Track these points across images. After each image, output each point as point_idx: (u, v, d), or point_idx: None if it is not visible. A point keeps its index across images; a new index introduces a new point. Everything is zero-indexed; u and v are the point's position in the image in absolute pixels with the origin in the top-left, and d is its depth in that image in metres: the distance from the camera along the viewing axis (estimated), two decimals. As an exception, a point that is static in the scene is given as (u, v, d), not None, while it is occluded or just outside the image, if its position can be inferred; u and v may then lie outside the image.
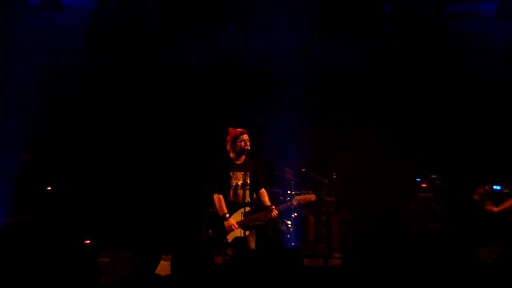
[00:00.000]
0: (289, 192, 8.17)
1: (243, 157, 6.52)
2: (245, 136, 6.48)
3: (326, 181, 8.35)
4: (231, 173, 6.45)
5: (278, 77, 8.47)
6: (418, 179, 8.63)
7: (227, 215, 6.39)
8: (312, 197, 6.94)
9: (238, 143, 6.43)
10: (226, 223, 6.38)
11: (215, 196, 6.44)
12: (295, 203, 6.84)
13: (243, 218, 6.43)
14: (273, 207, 6.51)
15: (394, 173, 8.74)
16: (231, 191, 6.41)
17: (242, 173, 6.44)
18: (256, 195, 6.64)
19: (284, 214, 7.93)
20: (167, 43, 8.25)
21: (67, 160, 8.17)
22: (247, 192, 6.41)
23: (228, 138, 6.51)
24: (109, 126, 8.48)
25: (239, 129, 6.53)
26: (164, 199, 8.47)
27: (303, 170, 8.42)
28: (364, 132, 8.93)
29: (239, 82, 8.71)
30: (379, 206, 8.72)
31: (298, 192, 7.62)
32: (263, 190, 6.67)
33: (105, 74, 8.49)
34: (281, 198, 8.10)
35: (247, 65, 8.58)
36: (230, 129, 6.56)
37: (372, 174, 8.80)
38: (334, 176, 8.34)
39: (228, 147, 6.54)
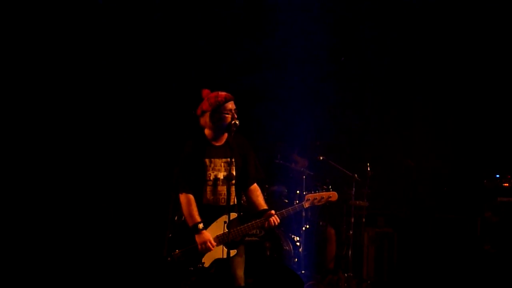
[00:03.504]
0: (298, 192, 7.72)
1: (225, 135, 5.84)
2: (232, 104, 5.79)
3: (356, 175, 7.75)
4: (206, 161, 5.78)
5: (284, 10, 7.94)
6: (497, 176, 8.02)
7: (201, 226, 5.74)
8: (333, 195, 6.21)
9: (222, 115, 5.74)
10: (198, 238, 5.75)
11: (182, 197, 5.81)
12: (306, 205, 6.16)
13: (225, 230, 5.81)
14: (273, 211, 5.87)
15: (459, 167, 8.39)
16: (208, 189, 5.78)
17: (225, 160, 5.82)
18: (245, 194, 6.03)
19: (290, 226, 7.67)
20: None
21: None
22: (233, 189, 5.83)
23: (204, 107, 5.79)
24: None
25: (221, 93, 5.81)
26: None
27: (321, 158, 7.75)
28: (415, 106, 8.53)
29: (223, 20, 7.99)
30: (436, 216, 8.12)
31: (313, 191, 7.45)
32: (255, 187, 6.04)
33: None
34: (286, 200, 7.76)
35: None
36: (206, 92, 5.84)
37: (425, 168, 8.29)
38: (368, 169, 7.78)
39: (203, 120, 5.82)
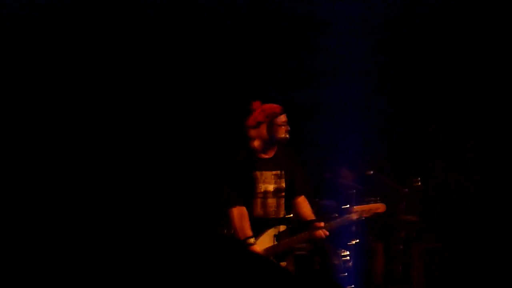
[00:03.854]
0: (348, 206, 7.34)
1: (275, 148, 5.81)
2: (285, 117, 5.77)
3: (406, 190, 7.52)
4: (257, 173, 5.74)
5: (333, 29, 7.73)
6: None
7: (252, 240, 5.70)
8: (381, 206, 6.30)
9: (277, 127, 5.72)
10: None
11: (234, 211, 5.73)
12: (354, 217, 6.17)
13: (275, 243, 5.80)
14: (322, 223, 5.86)
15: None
16: (258, 202, 5.74)
17: (275, 173, 5.78)
18: (293, 206, 5.95)
19: (339, 240, 7.39)
20: None
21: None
22: (282, 202, 5.78)
23: (260, 118, 5.76)
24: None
25: (274, 105, 5.82)
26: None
27: (370, 172, 7.60)
28: (466, 120, 8.14)
29: (274, 37, 7.90)
30: (492, 232, 7.90)
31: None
32: (303, 199, 6.00)
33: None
34: (336, 215, 7.38)
35: (286, 11, 7.80)
36: (257, 104, 5.81)
37: (481, 182, 8.02)
38: (419, 184, 7.53)
39: (256, 131, 5.79)
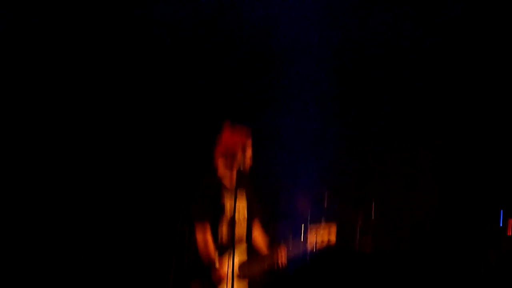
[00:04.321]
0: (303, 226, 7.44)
1: (234, 175, 5.69)
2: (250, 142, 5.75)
3: (360, 215, 7.64)
4: (225, 201, 5.67)
5: (290, 56, 7.76)
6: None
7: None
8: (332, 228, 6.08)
9: (249, 148, 5.67)
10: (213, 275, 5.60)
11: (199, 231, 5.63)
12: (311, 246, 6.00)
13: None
14: (281, 245, 5.76)
15: (463, 206, 8.00)
16: (224, 228, 5.64)
17: (238, 201, 5.62)
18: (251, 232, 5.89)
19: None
20: (118, 8, 7.50)
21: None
22: (244, 227, 5.75)
23: (237, 136, 5.64)
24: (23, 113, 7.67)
25: (242, 130, 5.74)
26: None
27: (326, 197, 7.67)
28: (421, 142, 8.07)
29: (230, 61, 7.85)
30: (446, 261, 7.89)
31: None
32: (257, 223, 5.93)
33: (23, 40, 7.52)
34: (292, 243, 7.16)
35: (244, 35, 7.79)
36: (226, 125, 5.70)
37: (436, 208, 7.95)
38: (373, 209, 7.66)
39: (223, 152, 5.68)
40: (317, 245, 6.04)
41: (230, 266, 5.50)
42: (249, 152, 5.61)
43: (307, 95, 7.76)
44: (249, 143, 5.63)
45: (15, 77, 7.44)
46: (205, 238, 5.52)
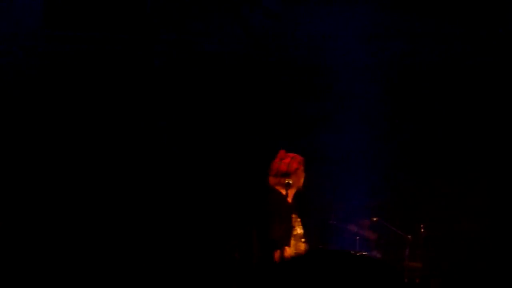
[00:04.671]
0: (352, 252, 7.21)
1: (288, 192, 5.79)
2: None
3: (410, 237, 7.50)
4: (293, 217, 5.77)
5: (339, 75, 7.67)
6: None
7: None
8: None
9: (301, 175, 5.84)
10: None
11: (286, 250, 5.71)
12: None
13: None
14: None
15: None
16: (292, 244, 5.69)
17: (298, 218, 5.83)
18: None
19: None
20: (169, 20, 7.55)
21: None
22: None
23: (293, 165, 5.79)
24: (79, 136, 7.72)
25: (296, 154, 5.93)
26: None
27: (375, 219, 7.56)
28: (473, 165, 7.98)
29: (279, 81, 7.85)
30: (495, 280, 7.75)
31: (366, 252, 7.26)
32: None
33: (74, 64, 7.62)
34: None
35: (292, 57, 7.83)
36: (283, 153, 5.86)
37: (485, 229, 7.85)
38: (422, 230, 7.53)
39: (276, 179, 5.80)
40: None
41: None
42: (302, 177, 5.70)
43: (359, 115, 7.76)
44: (301, 168, 5.73)
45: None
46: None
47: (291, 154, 5.85)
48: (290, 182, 5.68)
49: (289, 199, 5.74)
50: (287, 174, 5.73)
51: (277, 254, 5.60)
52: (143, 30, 7.40)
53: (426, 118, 7.99)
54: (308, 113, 7.92)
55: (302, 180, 5.81)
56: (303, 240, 5.77)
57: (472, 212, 8.02)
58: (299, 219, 5.82)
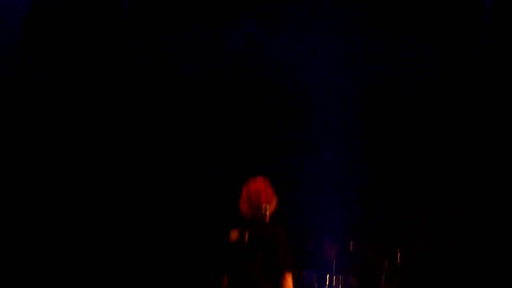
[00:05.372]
0: (328, 276, 7.46)
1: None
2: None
3: (386, 261, 7.44)
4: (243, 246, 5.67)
5: (316, 99, 7.79)
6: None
7: None
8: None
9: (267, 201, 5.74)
10: None
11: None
12: None
13: None
14: None
15: (492, 251, 7.83)
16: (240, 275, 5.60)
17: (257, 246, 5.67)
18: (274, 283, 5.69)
19: None
20: (148, 42, 7.67)
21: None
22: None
23: (252, 192, 5.73)
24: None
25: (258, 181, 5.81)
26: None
27: (351, 244, 7.54)
28: (449, 189, 8.03)
29: (257, 105, 7.89)
30: None
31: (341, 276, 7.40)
32: (284, 278, 5.75)
33: (51, 81, 7.66)
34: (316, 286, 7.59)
35: (269, 80, 7.87)
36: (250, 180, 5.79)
37: (460, 254, 7.87)
38: (399, 256, 7.39)
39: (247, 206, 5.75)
40: None
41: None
42: (273, 202, 5.60)
43: (335, 139, 7.75)
44: (271, 192, 5.63)
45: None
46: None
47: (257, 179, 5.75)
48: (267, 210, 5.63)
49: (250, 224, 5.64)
50: (252, 199, 5.65)
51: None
52: (122, 50, 7.42)
53: (402, 143, 7.97)
54: (284, 136, 7.88)
55: (271, 203, 5.65)
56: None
57: (448, 237, 7.99)
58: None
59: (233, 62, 7.69)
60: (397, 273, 7.49)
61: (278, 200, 5.74)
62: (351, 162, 7.89)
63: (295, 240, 7.04)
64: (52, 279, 7.24)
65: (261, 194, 5.63)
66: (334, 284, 7.27)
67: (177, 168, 7.84)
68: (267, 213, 5.56)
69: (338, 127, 7.74)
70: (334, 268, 7.38)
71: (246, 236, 5.58)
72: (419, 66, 7.67)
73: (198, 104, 7.93)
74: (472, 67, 7.64)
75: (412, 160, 8.06)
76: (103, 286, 7.64)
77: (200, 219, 7.76)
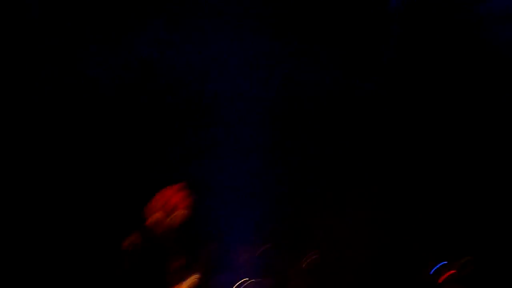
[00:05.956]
0: (241, 280, 7.36)
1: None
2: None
3: (304, 265, 7.47)
4: None
5: (226, 102, 7.68)
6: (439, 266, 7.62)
7: None
8: None
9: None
10: None
11: None
12: None
13: None
14: None
15: (400, 254, 7.87)
16: None
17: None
18: None
19: None
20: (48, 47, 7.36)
21: None
22: None
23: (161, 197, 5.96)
24: None
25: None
26: None
27: (265, 246, 7.54)
28: (364, 192, 7.97)
29: (166, 109, 7.71)
30: None
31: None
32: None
33: None
34: None
35: (178, 83, 7.68)
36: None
37: (368, 258, 7.84)
38: (314, 257, 7.48)
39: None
40: None
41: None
42: (183, 206, 5.62)
43: (243, 142, 7.71)
44: (182, 197, 5.69)
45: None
46: None
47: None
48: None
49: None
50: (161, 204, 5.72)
51: None
52: (28, 56, 7.21)
53: (314, 146, 7.94)
54: (194, 140, 7.80)
55: (180, 208, 5.73)
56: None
57: (362, 240, 7.92)
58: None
59: (141, 66, 7.56)
60: (309, 276, 7.46)
61: (189, 206, 5.82)
62: (261, 166, 7.82)
63: (209, 246, 7.14)
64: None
65: (169, 202, 5.71)
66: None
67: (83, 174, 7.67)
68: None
69: (250, 130, 7.68)
70: (246, 272, 7.25)
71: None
72: (327, 68, 7.67)
73: (107, 111, 7.74)
74: (378, 69, 7.70)
75: (325, 163, 8.02)
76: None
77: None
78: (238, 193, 7.70)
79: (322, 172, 8.01)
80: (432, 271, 7.45)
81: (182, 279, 5.89)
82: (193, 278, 6.35)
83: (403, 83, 7.60)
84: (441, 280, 7.42)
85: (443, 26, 7.74)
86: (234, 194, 7.70)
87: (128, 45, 7.52)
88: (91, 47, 7.41)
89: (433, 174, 7.94)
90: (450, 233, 7.81)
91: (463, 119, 7.99)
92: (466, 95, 7.93)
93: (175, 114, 7.83)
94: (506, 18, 7.83)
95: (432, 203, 7.91)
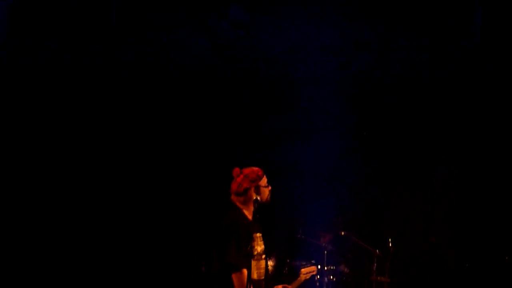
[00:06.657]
0: (319, 267, 7.42)
1: (251, 209, 5.65)
2: (266, 179, 5.66)
3: (377, 251, 7.47)
4: (254, 236, 5.58)
5: (306, 88, 7.66)
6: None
7: None
8: (313, 269, 7.02)
9: (261, 190, 5.61)
10: None
11: (242, 274, 5.50)
12: (302, 278, 6.87)
13: None
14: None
15: (482, 243, 7.85)
16: (253, 264, 5.54)
17: (259, 235, 5.65)
18: None
19: None
20: (135, 31, 7.47)
21: None
22: (265, 263, 5.68)
23: (244, 184, 5.60)
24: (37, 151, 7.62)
25: (254, 168, 5.66)
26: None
27: (343, 233, 7.52)
28: (438, 178, 7.97)
29: (246, 94, 7.79)
30: None
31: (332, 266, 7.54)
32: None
33: (37, 74, 7.54)
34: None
35: (258, 69, 7.73)
36: (237, 171, 5.62)
37: (447, 244, 7.86)
38: (390, 245, 7.48)
39: (242, 198, 5.61)
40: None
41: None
42: (266, 192, 5.60)
43: (325, 128, 7.73)
44: (264, 178, 5.58)
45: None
46: (243, 285, 5.47)
47: (247, 171, 5.67)
48: (258, 198, 5.62)
49: (249, 216, 5.58)
50: (239, 193, 5.60)
51: (234, 276, 5.47)
52: (109, 41, 7.29)
53: (394, 131, 7.96)
54: (274, 125, 7.82)
55: (266, 195, 5.61)
56: (263, 256, 5.61)
57: (440, 227, 7.98)
58: (259, 235, 5.67)
59: (221, 50, 7.58)
60: (388, 262, 7.54)
61: (271, 190, 5.76)
62: (342, 151, 7.83)
63: (287, 230, 7.37)
64: (51, 278, 7.27)
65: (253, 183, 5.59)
66: (326, 273, 7.30)
67: (166, 159, 7.77)
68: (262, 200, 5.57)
69: (330, 116, 7.70)
70: (325, 257, 7.39)
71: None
72: (409, 54, 7.58)
73: (188, 95, 7.85)
74: (462, 55, 7.57)
75: (404, 147, 8.02)
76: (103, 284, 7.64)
77: (191, 211, 7.70)
78: (318, 178, 7.72)
79: (404, 159, 8.01)
80: None
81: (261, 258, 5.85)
82: (271, 263, 6.38)
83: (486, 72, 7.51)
84: None
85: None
86: (314, 179, 7.72)
87: (210, 29, 7.55)
88: (172, 32, 7.47)
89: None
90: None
91: None
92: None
93: (256, 97, 7.88)
94: None
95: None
